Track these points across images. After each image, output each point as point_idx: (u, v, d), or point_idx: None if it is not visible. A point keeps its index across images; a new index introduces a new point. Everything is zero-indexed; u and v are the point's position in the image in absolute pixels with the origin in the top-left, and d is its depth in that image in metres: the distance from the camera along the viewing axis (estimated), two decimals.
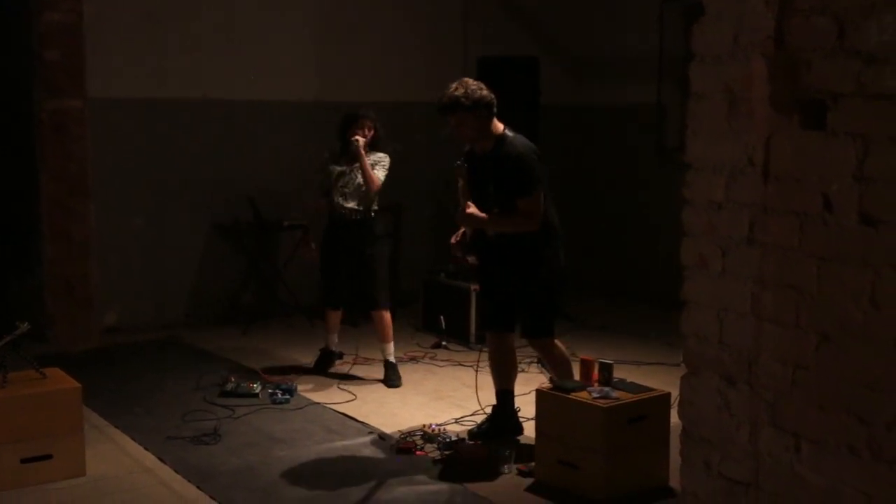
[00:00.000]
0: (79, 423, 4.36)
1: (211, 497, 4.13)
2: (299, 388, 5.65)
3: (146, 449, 4.69)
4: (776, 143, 2.66)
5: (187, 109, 7.25)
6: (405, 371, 6.01)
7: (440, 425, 4.95)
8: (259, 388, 5.55)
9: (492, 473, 4.36)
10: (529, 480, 4.30)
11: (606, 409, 4.06)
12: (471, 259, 4.84)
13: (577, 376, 4.57)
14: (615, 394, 4.20)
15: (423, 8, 8.19)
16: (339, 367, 6.15)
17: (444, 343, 6.80)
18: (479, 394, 5.07)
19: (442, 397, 5.60)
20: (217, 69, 7.28)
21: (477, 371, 5.12)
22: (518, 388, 4.97)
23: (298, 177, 7.69)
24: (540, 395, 4.34)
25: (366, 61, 7.88)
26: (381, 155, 5.79)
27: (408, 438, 4.77)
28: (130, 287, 7.16)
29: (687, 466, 3.02)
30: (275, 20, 7.52)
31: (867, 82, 2.41)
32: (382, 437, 4.86)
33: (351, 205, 5.77)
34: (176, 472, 4.41)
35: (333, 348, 6.11)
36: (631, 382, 4.42)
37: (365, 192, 5.74)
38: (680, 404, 3.03)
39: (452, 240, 4.86)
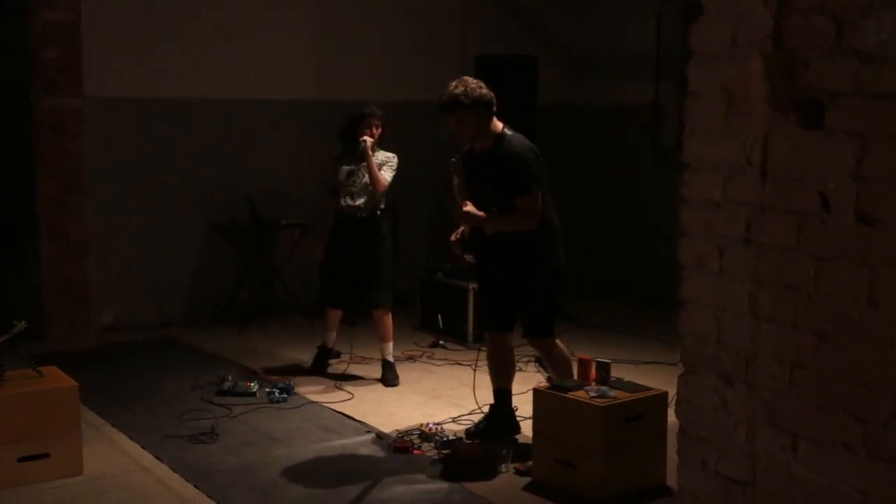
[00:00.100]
0: (76, 421, 4.36)
1: (208, 496, 4.13)
2: (297, 387, 5.65)
3: (143, 448, 4.69)
4: (774, 143, 2.66)
5: (186, 108, 7.25)
6: (403, 370, 6.01)
7: (437, 424, 4.95)
8: (256, 387, 5.55)
9: (489, 472, 4.36)
10: (527, 479, 4.30)
11: (604, 409, 4.06)
12: (468, 258, 4.84)
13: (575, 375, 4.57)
14: (612, 393, 4.20)
15: (421, 7, 8.19)
16: (336, 366, 6.15)
17: (441, 342, 6.80)
18: (477, 393, 5.07)
19: (439, 396, 5.60)
20: (215, 68, 7.27)
21: (475, 370, 5.12)
22: (515, 388, 4.97)
23: (297, 176, 7.70)
24: (537, 394, 4.34)
25: (364, 61, 7.88)
26: (389, 154, 5.78)
27: (405, 437, 4.77)
28: (128, 286, 7.16)
29: (684, 465, 3.02)
30: (274, 20, 7.51)
31: (865, 82, 2.41)
32: (380, 436, 4.86)
33: (358, 203, 5.76)
34: (173, 470, 4.41)
35: (331, 346, 6.09)
36: (628, 381, 4.42)
37: (372, 192, 5.72)
38: (677, 403, 3.03)
39: (452, 237, 4.86)
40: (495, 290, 4.79)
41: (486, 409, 4.98)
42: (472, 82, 4.56)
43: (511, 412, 4.90)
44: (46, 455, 4.23)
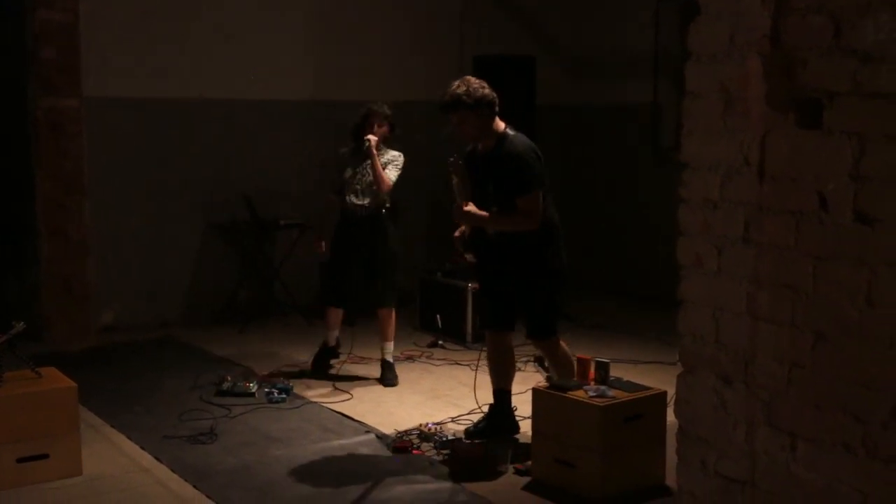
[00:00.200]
0: (75, 422, 4.36)
1: (207, 496, 4.13)
2: (295, 387, 5.65)
3: (143, 448, 4.69)
4: (772, 142, 2.66)
5: (185, 108, 7.25)
6: (402, 370, 6.01)
7: (437, 424, 4.95)
8: (255, 387, 5.55)
9: (489, 472, 4.36)
10: (526, 479, 4.30)
11: (603, 408, 4.06)
12: (469, 257, 4.84)
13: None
14: (611, 392, 4.20)
15: (421, 7, 8.19)
16: (336, 365, 6.13)
17: (440, 342, 6.80)
18: (477, 393, 5.07)
19: (438, 396, 5.60)
20: (215, 68, 7.27)
21: (476, 370, 5.10)
22: (515, 387, 4.97)
23: (296, 176, 7.71)
24: (536, 393, 4.34)
25: (364, 61, 7.88)
26: (395, 154, 5.75)
27: (404, 437, 4.76)
28: (127, 286, 7.15)
29: (683, 465, 3.02)
30: (274, 20, 7.51)
31: (863, 81, 2.42)
32: (379, 437, 4.85)
33: (362, 202, 5.74)
34: (172, 471, 4.40)
35: (333, 344, 6.05)
36: (627, 381, 4.42)
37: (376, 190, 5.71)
38: (676, 403, 3.03)
39: (456, 233, 4.85)
40: (496, 290, 4.79)
41: (485, 408, 4.98)
42: (474, 82, 4.56)
43: (510, 412, 4.90)
44: (46, 456, 4.23)
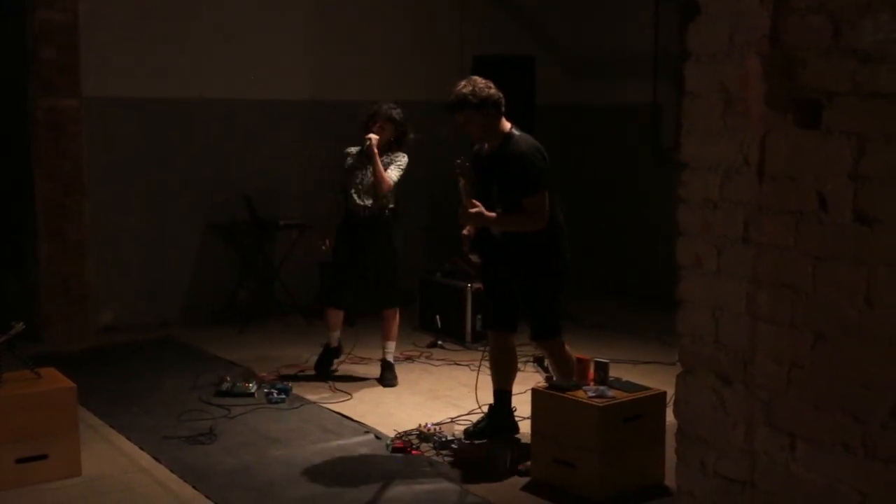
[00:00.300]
0: (74, 422, 4.35)
1: (207, 497, 4.13)
2: (295, 387, 5.64)
3: (142, 449, 4.69)
4: (771, 142, 2.66)
5: (185, 108, 7.24)
6: (401, 370, 6.01)
7: (436, 425, 4.94)
8: (255, 387, 5.54)
9: (488, 472, 4.36)
10: (525, 479, 4.30)
11: (602, 408, 4.06)
12: (474, 258, 4.84)
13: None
14: (611, 393, 4.20)
15: (420, 7, 8.19)
16: (336, 365, 6.12)
17: (440, 342, 6.80)
18: (477, 393, 5.06)
19: (438, 397, 5.60)
20: (215, 68, 7.27)
21: (478, 370, 5.09)
22: (514, 388, 4.96)
23: (296, 177, 7.71)
24: (536, 394, 4.34)
25: (363, 60, 7.88)
26: (399, 154, 5.73)
27: (404, 438, 4.76)
28: (127, 286, 7.15)
29: (683, 465, 3.02)
30: (273, 20, 7.51)
31: (862, 81, 2.41)
32: (378, 437, 4.85)
33: (365, 202, 5.72)
34: (172, 471, 4.40)
35: (335, 345, 6.01)
36: (627, 381, 4.41)
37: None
38: (675, 403, 3.03)
39: (465, 231, 4.84)
40: (500, 291, 4.79)
41: (485, 409, 4.98)
42: (480, 82, 4.57)
43: (510, 412, 4.90)
44: (45, 456, 4.23)
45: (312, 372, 5.97)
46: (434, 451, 4.61)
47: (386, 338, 5.90)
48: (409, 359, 6.41)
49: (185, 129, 7.27)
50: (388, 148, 5.72)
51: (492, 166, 4.59)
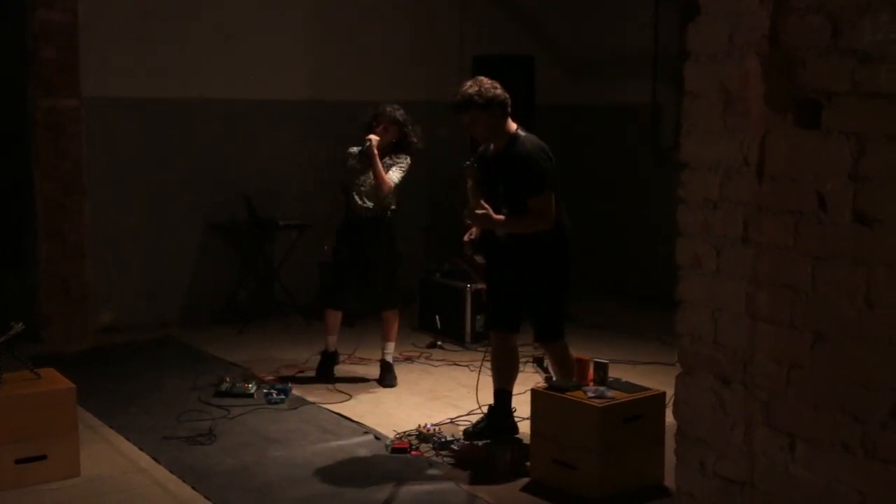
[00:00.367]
0: (73, 423, 4.35)
1: (206, 497, 4.12)
2: (294, 388, 5.64)
3: (141, 449, 4.68)
4: (771, 142, 2.66)
5: (185, 108, 7.24)
6: (400, 371, 6.00)
7: (436, 425, 4.94)
8: (254, 388, 5.54)
9: (488, 473, 4.36)
10: (525, 480, 4.29)
11: (601, 409, 4.05)
12: (478, 259, 4.84)
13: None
14: (610, 393, 4.19)
15: (420, 7, 8.19)
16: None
17: (439, 343, 6.79)
18: (478, 394, 5.05)
19: (437, 397, 5.59)
20: (215, 68, 7.26)
21: (479, 371, 5.07)
22: (514, 388, 4.95)
23: (296, 177, 7.70)
24: (535, 394, 4.33)
25: (363, 60, 7.88)
26: (402, 155, 5.69)
27: (403, 438, 4.76)
28: (127, 286, 7.15)
29: (682, 466, 3.02)
30: (273, 20, 7.51)
31: (862, 81, 2.41)
32: (378, 438, 4.85)
33: (367, 204, 5.70)
34: (171, 472, 4.40)
35: (333, 349, 5.97)
36: (626, 382, 4.41)
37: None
38: (675, 404, 3.03)
39: (465, 237, 4.84)
40: (504, 291, 4.78)
41: (485, 409, 4.98)
42: (486, 82, 4.57)
43: (510, 413, 4.89)
44: (44, 457, 4.22)
45: (313, 373, 5.95)
46: (434, 452, 4.61)
47: (385, 338, 5.89)
48: (409, 359, 6.40)
49: (185, 129, 7.27)
50: (391, 149, 5.70)
51: (497, 167, 4.59)
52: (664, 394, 4.24)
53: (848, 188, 2.46)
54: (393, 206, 5.74)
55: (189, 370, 6.03)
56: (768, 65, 2.64)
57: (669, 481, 3.77)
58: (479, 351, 6.44)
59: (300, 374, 5.96)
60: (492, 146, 4.67)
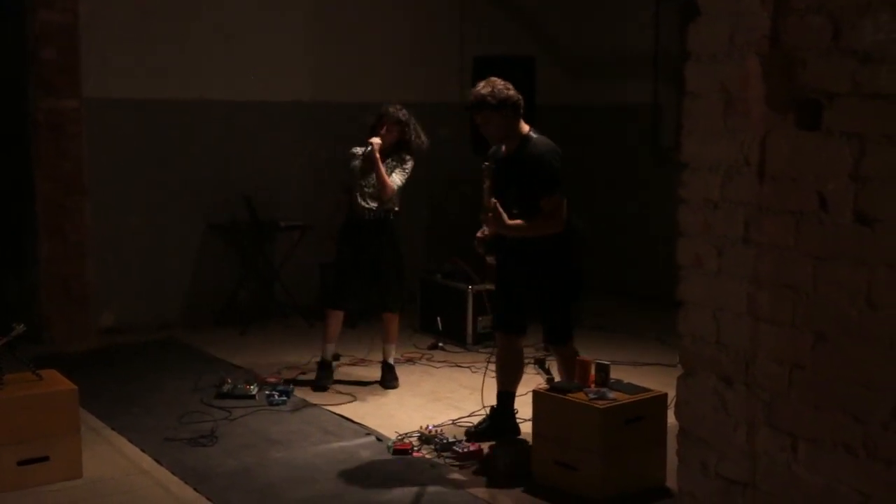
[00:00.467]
0: (75, 424, 4.35)
1: (207, 498, 4.13)
2: (296, 389, 5.63)
3: (143, 450, 4.69)
4: (772, 143, 2.66)
5: (185, 109, 7.24)
6: (402, 372, 6.00)
7: (437, 426, 4.94)
8: (255, 389, 5.54)
9: (489, 474, 4.36)
10: (526, 481, 4.29)
11: (603, 410, 4.05)
12: (490, 259, 4.83)
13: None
14: (612, 394, 4.19)
15: (420, 7, 8.19)
16: (335, 366, 6.10)
17: (440, 344, 6.79)
18: (483, 394, 5.04)
19: (439, 399, 5.59)
20: (215, 69, 7.27)
21: (486, 371, 5.06)
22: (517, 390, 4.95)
23: (296, 177, 7.70)
24: (537, 396, 4.33)
25: (364, 61, 7.88)
26: (406, 157, 5.67)
27: (405, 440, 4.75)
28: (127, 287, 7.15)
29: (684, 467, 3.01)
30: (274, 20, 7.51)
31: (863, 81, 2.41)
32: (379, 439, 4.85)
33: (370, 205, 5.69)
34: (173, 473, 4.40)
35: (330, 359, 5.86)
36: (628, 383, 4.41)
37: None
38: (677, 405, 3.03)
39: (478, 234, 4.84)
40: (513, 293, 4.78)
41: (487, 409, 4.97)
42: (499, 83, 4.58)
43: (512, 414, 4.89)
44: (46, 458, 4.23)
45: (313, 376, 5.94)
46: (435, 453, 4.61)
47: (386, 340, 5.89)
48: (410, 361, 6.40)
49: (185, 129, 7.27)
50: (394, 149, 5.69)
51: (509, 168, 4.59)
52: (666, 395, 4.24)
53: (849, 188, 2.46)
54: (396, 208, 5.74)
55: (191, 371, 6.03)
56: (769, 65, 2.64)
57: (671, 482, 3.77)
58: (481, 352, 6.45)
59: (302, 376, 5.96)
60: (503, 147, 4.68)
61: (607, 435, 4.05)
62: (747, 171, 2.72)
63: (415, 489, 4.20)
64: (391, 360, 5.91)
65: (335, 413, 5.29)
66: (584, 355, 4.67)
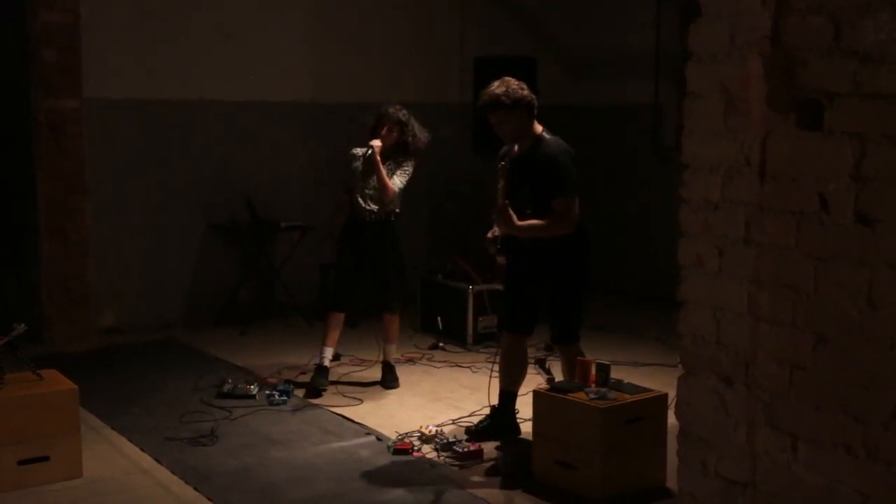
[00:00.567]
0: (76, 424, 4.35)
1: (208, 498, 4.12)
2: (296, 389, 5.63)
3: (143, 450, 4.68)
4: (773, 143, 2.66)
5: (185, 109, 7.24)
6: (402, 372, 6.00)
7: (438, 426, 4.93)
8: (256, 389, 5.53)
9: (489, 474, 4.36)
10: (527, 481, 4.29)
11: (604, 410, 4.05)
12: (500, 259, 4.83)
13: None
14: (612, 395, 4.19)
15: (420, 7, 8.19)
16: (335, 368, 6.10)
17: (441, 344, 6.79)
18: (483, 395, 5.04)
19: (439, 398, 5.59)
20: (215, 69, 7.26)
21: (492, 370, 5.05)
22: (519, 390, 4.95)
23: (297, 177, 7.70)
24: (537, 395, 4.33)
25: (364, 61, 7.87)
26: (407, 159, 5.65)
27: (405, 440, 4.75)
28: (128, 287, 7.15)
29: (684, 467, 3.02)
30: (274, 20, 7.50)
31: (863, 82, 2.41)
32: (380, 439, 4.85)
33: (371, 207, 5.67)
34: (173, 473, 4.40)
35: (328, 364, 5.79)
36: (628, 383, 4.41)
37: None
38: (677, 405, 3.03)
39: (489, 234, 4.83)
40: (522, 293, 4.77)
41: (487, 409, 4.97)
42: (513, 83, 4.58)
43: (513, 414, 4.89)
44: (46, 458, 4.22)
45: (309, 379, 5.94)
46: (435, 453, 4.61)
47: (386, 341, 5.88)
48: (411, 361, 6.40)
49: (185, 129, 7.27)
50: (394, 150, 5.68)
51: (522, 168, 4.59)
52: (666, 395, 4.23)
53: (849, 189, 2.46)
54: (397, 210, 5.73)
55: (191, 371, 6.03)
56: (770, 65, 2.64)
57: (671, 482, 3.77)
58: (482, 353, 6.45)
59: (302, 377, 5.95)
60: (516, 147, 4.67)
61: (608, 435, 4.05)
62: (748, 172, 2.72)
63: (415, 489, 4.20)
64: (391, 360, 5.90)
65: (335, 413, 5.29)
66: (585, 355, 4.67)
